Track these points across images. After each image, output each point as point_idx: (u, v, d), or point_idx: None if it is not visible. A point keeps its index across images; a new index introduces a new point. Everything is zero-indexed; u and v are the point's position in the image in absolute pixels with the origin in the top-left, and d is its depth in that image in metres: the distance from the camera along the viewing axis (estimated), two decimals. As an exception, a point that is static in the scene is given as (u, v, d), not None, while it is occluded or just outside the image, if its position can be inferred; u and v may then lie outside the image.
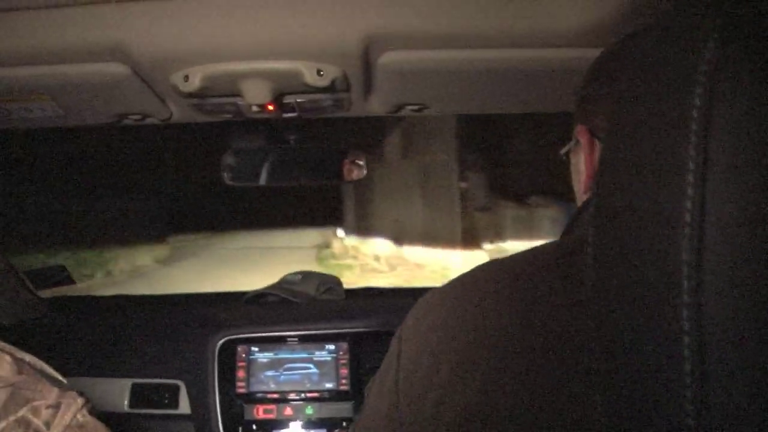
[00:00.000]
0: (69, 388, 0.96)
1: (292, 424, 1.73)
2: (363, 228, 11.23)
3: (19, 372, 0.92)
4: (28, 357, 0.96)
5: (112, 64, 1.24)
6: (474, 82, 1.32)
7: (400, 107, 1.44)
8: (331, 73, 1.24)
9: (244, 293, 2.16)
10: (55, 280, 2.09)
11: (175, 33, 1.17)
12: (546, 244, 0.83)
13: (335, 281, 2.19)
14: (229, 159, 1.62)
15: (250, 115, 1.44)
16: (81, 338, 1.90)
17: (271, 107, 1.38)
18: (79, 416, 0.93)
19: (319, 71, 1.23)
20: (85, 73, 1.26)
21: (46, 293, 2.09)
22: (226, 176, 1.62)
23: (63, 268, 2.13)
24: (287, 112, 1.43)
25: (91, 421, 0.95)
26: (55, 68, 1.25)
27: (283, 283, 2.16)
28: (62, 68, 1.25)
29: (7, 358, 0.92)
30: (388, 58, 1.23)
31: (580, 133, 0.90)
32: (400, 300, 2.05)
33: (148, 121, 1.48)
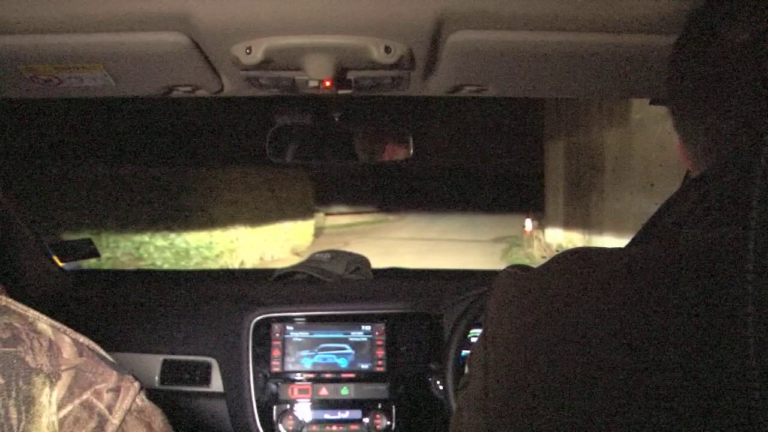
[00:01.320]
0: (126, 372, 0.95)
1: (327, 404, 1.71)
2: (573, 220, 10.49)
3: (80, 354, 0.90)
4: (82, 338, 0.94)
5: (171, 33, 1.20)
6: (541, 65, 1.29)
7: (458, 88, 1.41)
8: (398, 50, 1.21)
9: (272, 270, 2.14)
10: (81, 253, 2.05)
11: (240, 3, 1.13)
12: (647, 245, 0.81)
13: (364, 261, 2.18)
14: (274, 135, 1.59)
15: (305, 90, 1.40)
16: (109, 312, 1.87)
17: (328, 83, 1.34)
18: (138, 400, 0.92)
19: (387, 48, 1.20)
20: (141, 43, 1.22)
21: (71, 266, 2.06)
22: (270, 152, 1.59)
23: (90, 242, 2.09)
24: (343, 89, 1.39)
25: (149, 405, 0.94)
26: (110, 36, 1.21)
27: (312, 262, 2.14)
28: (118, 37, 1.21)
29: (67, 339, 0.90)
30: (457, 38, 1.20)
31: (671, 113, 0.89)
32: (432, 282, 2.04)
33: (198, 93, 1.44)
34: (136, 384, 0.94)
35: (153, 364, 1.75)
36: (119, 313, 1.87)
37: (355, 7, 1.13)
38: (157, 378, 1.75)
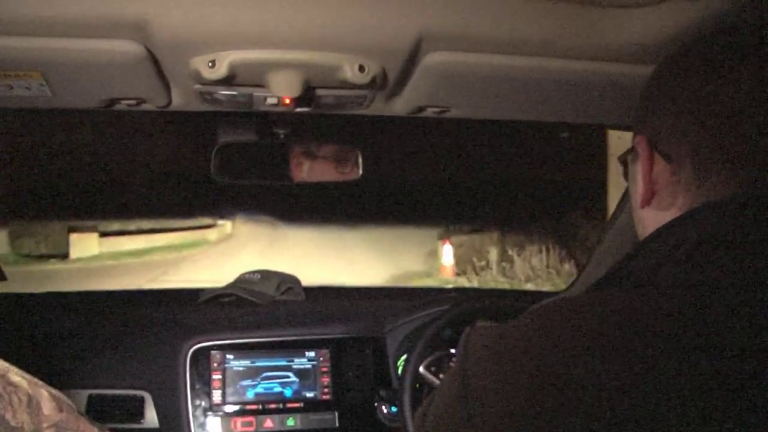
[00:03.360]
0: (104, 428, 0.88)
1: (272, 438, 1.62)
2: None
3: (60, 410, 0.83)
4: (54, 390, 0.87)
5: (124, 41, 1.10)
6: (509, 87, 1.27)
7: (421, 109, 1.37)
8: (372, 69, 1.16)
9: (197, 291, 2.02)
10: (-14, 276, 1.85)
11: (206, 12, 1.05)
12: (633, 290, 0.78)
13: (295, 280, 2.09)
14: (218, 154, 1.49)
15: (260, 107, 1.32)
16: (21, 343, 1.70)
17: (288, 101, 1.27)
18: None
19: (361, 67, 1.15)
20: (88, 50, 1.11)
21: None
22: (215, 171, 1.49)
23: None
24: (302, 107, 1.33)
25: None
26: (53, 41, 1.09)
27: (241, 283, 2.04)
28: (63, 42, 1.09)
29: (45, 393, 0.82)
30: (432, 59, 1.17)
31: (640, 144, 0.86)
32: (369, 301, 1.99)
33: (142, 107, 1.33)
34: None
35: (77, 400, 1.60)
36: (34, 343, 1.70)
37: (331, 21, 1.07)
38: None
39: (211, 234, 14.20)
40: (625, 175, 0.95)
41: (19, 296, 1.99)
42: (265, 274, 2.07)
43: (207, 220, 14.07)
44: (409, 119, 1.48)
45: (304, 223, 13.59)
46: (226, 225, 14.48)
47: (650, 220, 0.86)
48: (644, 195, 0.85)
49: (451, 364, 0.81)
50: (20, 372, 0.82)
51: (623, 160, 0.95)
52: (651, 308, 0.67)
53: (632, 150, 0.90)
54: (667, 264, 0.76)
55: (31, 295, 2.03)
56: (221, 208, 13.88)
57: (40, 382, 0.86)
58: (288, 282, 2.08)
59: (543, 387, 0.66)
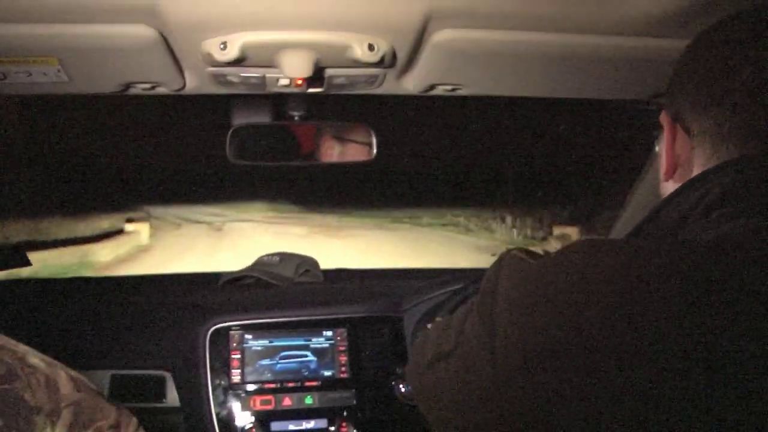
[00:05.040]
0: (122, 407, 0.90)
1: (291, 415, 1.64)
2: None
3: (78, 389, 0.84)
4: (73, 372, 0.88)
5: (137, 26, 1.12)
6: (522, 64, 1.27)
7: (432, 87, 1.37)
8: (382, 48, 1.17)
9: (218, 274, 2.05)
10: (10, 262, 1.89)
11: None
12: (656, 239, 0.82)
13: (313, 263, 2.12)
14: (233, 136, 1.51)
15: (273, 88, 1.34)
16: (46, 326, 1.73)
17: (300, 81, 1.28)
18: None
19: (371, 46, 1.16)
20: (102, 35, 1.13)
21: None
22: (231, 153, 1.51)
23: (19, 248, 1.94)
24: (314, 87, 1.34)
25: None
26: (68, 27, 1.11)
27: (261, 265, 2.06)
28: (78, 28, 1.11)
29: (63, 374, 0.84)
30: (441, 36, 1.17)
31: (664, 120, 0.91)
32: (387, 282, 2.00)
33: (158, 90, 1.35)
34: (134, 419, 0.90)
35: (101, 380, 1.64)
36: (58, 327, 1.74)
37: (339, 1, 1.08)
38: (105, 395, 1.63)
39: (114, 246, 9.23)
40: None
41: (45, 281, 2.03)
42: (284, 257, 2.10)
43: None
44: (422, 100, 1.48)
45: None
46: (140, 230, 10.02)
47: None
48: (668, 168, 0.90)
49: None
50: (39, 354, 0.84)
51: (656, 137, 1.02)
52: (676, 260, 0.67)
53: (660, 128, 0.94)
54: (690, 217, 0.79)
55: (56, 280, 2.07)
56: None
57: (59, 364, 0.88)
58: (306, 264, 2.11)
59: (565, 322, 0.67)
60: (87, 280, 2.17)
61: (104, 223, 9.41)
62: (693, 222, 0.78)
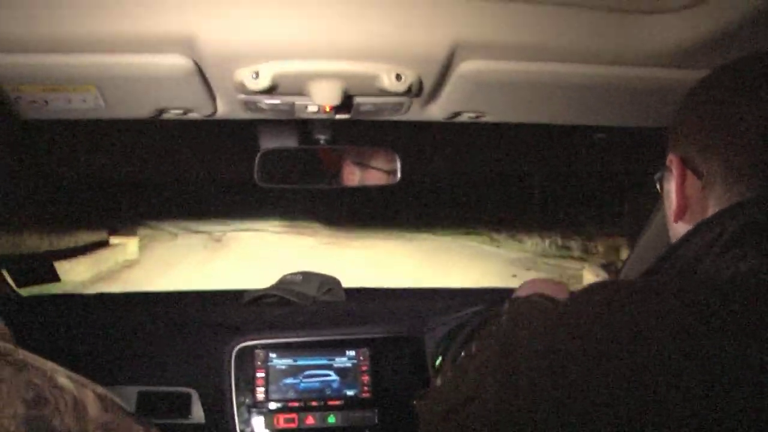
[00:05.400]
0: (150, 426, 0.89)
1: (314, 434, 1.66)
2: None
3: (105, 410, 0.83)
4: (100, 389, 0.87)
5: (173, 56, 1.16)
6: (543, 93, 1.30)
7: (457, 114, 1.40)
8: (409, 77, 1.20)
9: (242, 292, 2.08)
10: (40, 276, 1.94)
11: (250, 26, 1.10)
12: (669, 278, 0.83)
13: (335, 282, 2.14)
14: (261, 159, 1.55)
15: (302, 114, 1.37)
16: (74, 342, 1.77)
17: (329, 108, 1.31)
18: None
19: (398, 76, 1.19)
20: (139, 64, 1.17)
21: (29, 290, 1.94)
22: (259, 177, 1.55)
23: (49, 263, 1.98)
24: (342, 114, 1.37)
25: None
26: (106, 57, 1.15)
27: (283, 284, 2.09)
28: (115, 57, 1.16)
29: (90, 393, 0.82)
30: (467, 67, 1.20)
31: (672, 162, 0.92)
32: (409, 301, 2.02)
33: (190, 116, 1.39)
34: None
35: (128, 396, 1.67)
36: (86, 343, 1.77)
37: (368, 32, 1.11)
38: (132, 412, 1.66)
39: (92, 263, 8.17)
40: (660, 191, 1.00)
41: (72, 296, 2.07)
42: (307, 276, 2.12)
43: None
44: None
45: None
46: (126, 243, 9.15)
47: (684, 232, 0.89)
48: (678, 210, 0.91)
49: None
50: (66, 372, 0.81)
51: (658, 179, 1.00)
52: (698, 298, 0.69)
53: (665, 169, 0.95)
54: (707, 256, 0.79)
55: (83, 295, 2.11)
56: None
57: (87, 382, 0.85)
58: (329, 283, 2.13)
59: (584, 365, 0.68)
60: (113, 296, 2.21)
61: (92, 236, 8.60)
62: (710, 261, 0.79)
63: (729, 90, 0.86)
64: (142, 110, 1.34)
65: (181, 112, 1.37)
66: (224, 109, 1.37)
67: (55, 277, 1.98)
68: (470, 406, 0.85)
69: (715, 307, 0.67)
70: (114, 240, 9.08)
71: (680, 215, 0.91)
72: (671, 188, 0.92)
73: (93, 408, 0.81)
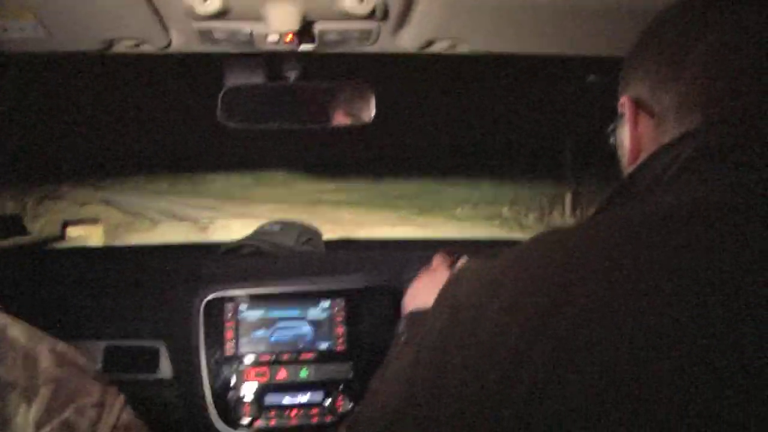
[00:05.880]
0: (109, 383, 0.85)
1: (286, 388, 1.59)
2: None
3: (59, 364, 0.80)
4: (60, 345, 0.84)
5: None
6: (525, 17, 1.19)
7: (430, 43, 1.30)
8: None
9: (219, 244, 2.00)
10: (7, 230, 1.87)
11: None
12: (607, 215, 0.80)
13: (315, 232, 2.06)
14: (225, 97, 1.45)
15: (263, 46, 1.27)
16: (40, 296, 1.69)
17: (290, 37, 1.22)
18: (124, 416, 0.82)
19: None
20: None
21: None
22: (222, 115, 1.46)
23: (18, 217, 1.91)
24: (306, 44, 1.27)
25: (134, 420, 0.85)
26: None
27: (261, 234, 2.01)
28: None
29: (44, 347, 0.79)
30: None
31: (624, 105, 0.89)
32: (390, 253, 1.94)
33: (143, 48, 1.29)
34: (122, 397, 0.85)
35: (94, 351, 1.60)
36: (52, 297, 1.70)
37: None
38: (99, 366, 1.60)
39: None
40: (613, 145, 0.96)
41: (40, 250, 2.00)
42: (285, 225, 2.05)
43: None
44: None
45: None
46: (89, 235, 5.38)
47: None
48: (631, 152, 0.87)
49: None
50: (22, 326, 0.81)
51: (612, 130, 0.96)
52: (641, 227, 0.66)
53: (617, 118, 0.92)
54: (659, 185, 0.77)
55: (51, 250, 2.04)
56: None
57: (45, 337, 0.84)
58: (308, 233, 2.05)
59: (516, 315, 0.64)
60: (82, 250, 2.13)
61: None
62: (660, 191, 0.76)
63: (678, 25, 0.84)
64: (89, 41, 1.25)
65: (132, 43, 1.27)
66: (179, 40, 1.27)
67: (22, 231, 1.91)
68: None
69: (651, 240, 0.64)
70: (73, 232, 8.52)
71: (634, 158, 0.87)
72: (624, 134, 0.89)
73: (45, 362, 0.79)
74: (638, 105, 0.87)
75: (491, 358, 0.64)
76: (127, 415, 0.83)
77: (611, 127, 0.95)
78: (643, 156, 0.85)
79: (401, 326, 1.28)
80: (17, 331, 0.80)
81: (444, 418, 0.68)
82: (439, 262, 1.38)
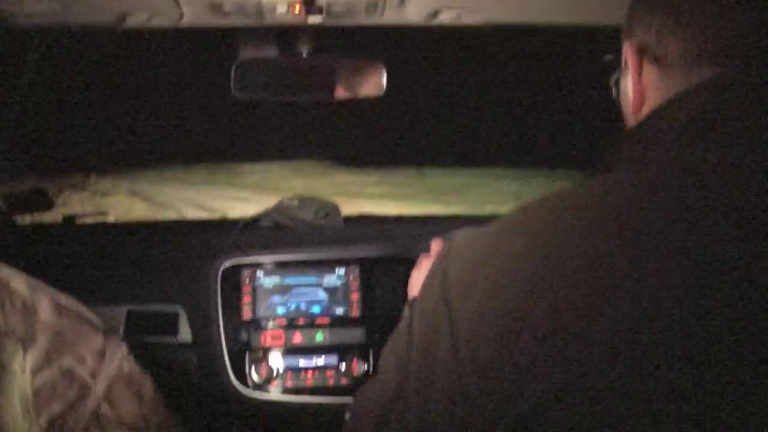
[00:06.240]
0: (112, 333, 0.87)
1: (301, 351, 1.65)
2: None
3: (59, 315, 0.82)
4: (63, 297, 0.86)
5: None
6: None
7: (436, 12, 1.33)
8: None
9: (238, 220, 2.06)
10: (34, 205, 1.94)
11: None
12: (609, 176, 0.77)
13: (334, 207, 2.10)
14: (238, 70, 1.50)
15: (272, 18, 1.32)
16: (65, 265, 1.77)
17: (297, 9, 1.26)
18: (125, 365, 0.85)
19: None
20: None
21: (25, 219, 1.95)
22: (235, 88, 1.50)
23: (44, 192, 1.98)
24: (313, 15, 1.31)
25: (138, 371, 0.87)
26: None
27: (280, 208, 2.06)
28: None
29: (45, 298, 0.82)
30: None
31: (627, 53, 0.86)
32: (407, 226, 1.98)
33: (155, 21, 1.34)
34: (124, 347, 0.87)
35: (117, 315, 1.67)
36: (77, 265, 1.77)
37: None
38: (121, 330, 1.67)
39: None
40: (618, 96, 0.94)
41: (63, 225, 2.07)
42: (304, 201, 2.09)
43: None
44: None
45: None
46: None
47: None
48: (635, 103, 0.85)
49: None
50: (25, 278, 0.82)
51: (615, 82, 0.94)
52: (629, 194, 0.67)
53: (620, 68, 0.90)
54: (664, 143, 0.74)
55: (77, 224, 2.11)
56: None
57: (48, 289, 0.85)
58: (327, 208, 2.09)
59: (506, 284, 0.66)
60: (108, 225, 2.21)
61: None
62: (664, 150, 0.74)
63: None
64: (103, 15, 1.30)
65: (145, 16, 1.32)
66: (190, 13, 1.32)
67: (49, 205, 1.98)
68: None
69: (655, 207, 0.64)
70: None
71: (637, 108, 0.85)
72: (627, 84, 0.86)
73: (45, 312, 0.81)
74: (642, 53, 0.83)
75: (481, 333, 0.65)
76: (129, 367, 0.85)
77: (614, 77, 0.93)
78: (646, 108, 0.83)
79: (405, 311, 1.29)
80: (19, 282, 0.81)
81: (434, 406, 0.70)
82: (437, 247, 1.38)
